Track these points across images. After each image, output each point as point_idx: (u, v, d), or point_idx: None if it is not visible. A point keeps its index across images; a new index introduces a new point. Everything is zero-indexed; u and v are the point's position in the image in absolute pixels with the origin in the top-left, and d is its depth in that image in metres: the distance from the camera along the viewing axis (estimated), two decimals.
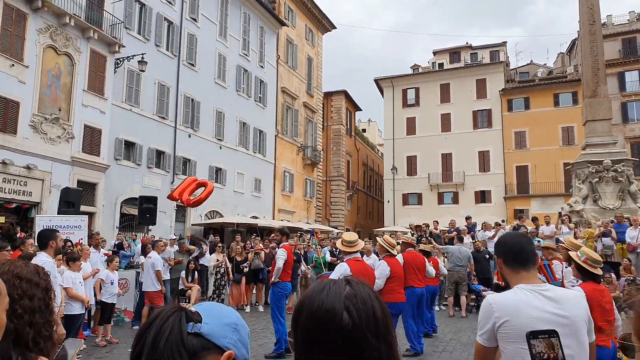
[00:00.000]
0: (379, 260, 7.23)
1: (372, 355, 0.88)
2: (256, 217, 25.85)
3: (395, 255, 7.24)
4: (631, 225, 12.47)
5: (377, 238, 7.98)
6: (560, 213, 14.83)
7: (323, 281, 1.00)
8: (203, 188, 11.24)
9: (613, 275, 11.27)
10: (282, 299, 7.84)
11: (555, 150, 34.35)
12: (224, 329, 0.98)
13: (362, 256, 7.27)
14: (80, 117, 16.93)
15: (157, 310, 0.98)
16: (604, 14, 34.45)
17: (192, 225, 22.41)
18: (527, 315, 1.84)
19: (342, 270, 5.19)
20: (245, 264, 12.25)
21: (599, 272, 4.12)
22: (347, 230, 36.53)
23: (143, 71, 19.15)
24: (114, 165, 18.63)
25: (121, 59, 18.69)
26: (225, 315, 1.02)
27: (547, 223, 14.20)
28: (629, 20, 36.29)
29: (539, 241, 13.45)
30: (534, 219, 14.99)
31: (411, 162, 39.00)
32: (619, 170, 14.40)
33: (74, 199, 10.88)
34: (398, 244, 11.75)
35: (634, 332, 0.87)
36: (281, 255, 7.70)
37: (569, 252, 4.28)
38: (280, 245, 8.02)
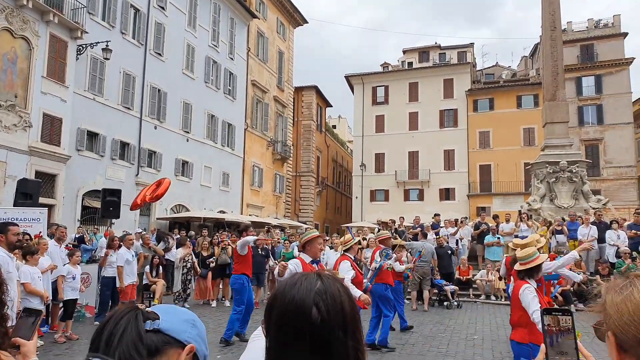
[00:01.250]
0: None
1: (339, 348, 0.93)
2: (224, 212, 25.62)
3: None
4: (583, 223, 13.09)
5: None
6: (520, 211, 15.38)
7: (296, 275, 1.03)
8: (160, 186, 11.38)
9: None
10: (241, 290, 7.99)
11: (517, 150, 35.48)
12: (183, 325, 1.00)
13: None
14: (38, 104, 16.31)
15: (112, 311, 0.99)
16: (565, 21, 35.71)
17: (157, 219, 22.03)
18: None
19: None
20: (211, 259, 12.17)
21: (531, 265, 4.36)
22: (316, 225, 36.76)
23: (107, 59, 18.60)
24: (76, 156, 18.08)
25: (84, 46, 18.10)
26: (182, 313, 1.04)
27: (507, 220, 14.72)
28: (587, 27, 37.79)
29: (498, 237, 13.97)
30: (495, 217, 15.50)
31: (379, 159, 39.50)
32: (574, 171, 15.07)
33: (32, 191, 10.51)
34: (364, 239, 11.94)
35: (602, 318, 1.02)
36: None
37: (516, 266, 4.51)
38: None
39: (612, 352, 0.96)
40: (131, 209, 15.17)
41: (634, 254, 11.55)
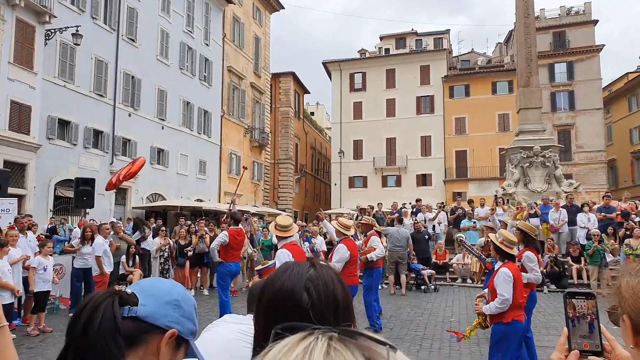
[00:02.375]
0: (338, 243, 7.18)
1: None
2: (201, 200, 25.38)
3: (350, 238, 7.19)
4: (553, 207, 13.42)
5: (333, 222, 8.26)
6: (496, 195, 15.65)
7: (288, 263, 1.02)
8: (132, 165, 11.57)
9: None
10: (225, 277, 8.17)
11: (492, 136, 36.02)
12: (164, 308, 0.97)
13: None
14: (5, 91, 15.75)
15: (88, 297, 0.95)
16: (538, 8, 36.15)
17: (133, 208, 21.68)
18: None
19: (284, 257, 5.04)
20: (189, 248, 12.08)
21: (515, 252, 4.43)
22: (295, 212, 36.76)
23: (78, 45, 18.04)
24: (47, 144, 17.58)
25: (52, 31, 17.49)
26: (165, 293, 0.99)
27: (482, 205, 14.98)
28: (559, 14, 38.35)
29: (474, 222, 14.21)
30: (470, 201, 15.77)
31: (357, 146, 39.61)
32: (547, 155, 15.39)
33: (1, 181, 10.21)
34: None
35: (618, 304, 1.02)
36: (219, 238, 8.17)
37: (489, 234, 4.60)
38: (227, 229, 8.36)
39: (627, 336, 0.94)
40: (106, 189, 14.85)
41: (603, 236, 11.92)
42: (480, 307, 4.49)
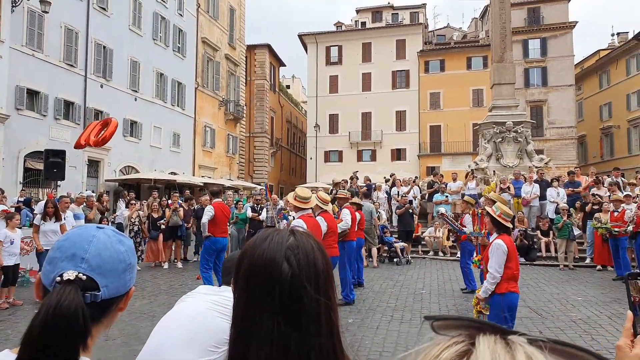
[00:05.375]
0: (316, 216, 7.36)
1: (310, 305, 0.88)
2: (175, 173, 25.11)
3: (328, 211, 7.36)
4: (526, 181, 13.79)
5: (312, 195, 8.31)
6: (472, 170, 15.92)
7: (267, 230, 0.98)
8: (106, 127, 11.36)
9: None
10: (210, 252, 8.18)
11: (466, 111, 36.42)
12: (122, 278, 0.93)
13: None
14: None
15: (44, 305, 0.83)
16: None
17: (106, 180, 21.33)
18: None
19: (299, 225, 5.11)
20: (162, 221, 12.02)
21: (510, 225, 4.48)
22: (271, 186, 36.70)
23: (46, 12, 17.31)
24: (15, 115, 17.02)
25: None
26: (119, 262, 0.94)
27: (454, 179, 15.29)
28: None
29: (447, 196, 14.51)
30: (440, 175, 16.12)
31: (333, 120, 39.54)
32: (519, 131, 15.69)
33: None
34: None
35: None
36: (206, 213, 8.18)
37: (486, 207, 4.67)
38: (211, 203, 8.47)
39: None
40: (75, 147, 14.65)
41: (571, 210, 12.34)
42: (480, 295, 4.57)
